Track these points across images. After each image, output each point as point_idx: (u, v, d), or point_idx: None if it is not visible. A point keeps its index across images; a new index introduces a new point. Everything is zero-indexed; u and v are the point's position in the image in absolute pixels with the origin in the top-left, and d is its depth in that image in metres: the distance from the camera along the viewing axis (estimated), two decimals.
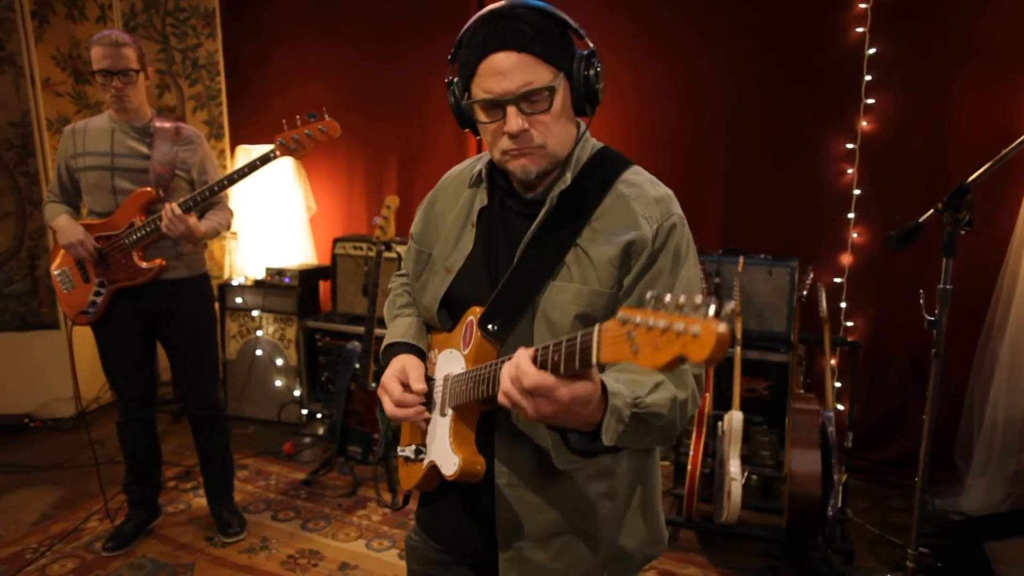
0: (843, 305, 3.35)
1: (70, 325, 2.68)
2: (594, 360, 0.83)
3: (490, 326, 1.15)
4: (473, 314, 1.18)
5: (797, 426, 2.69)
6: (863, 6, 3.15)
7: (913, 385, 3.23)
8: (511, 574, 1.22)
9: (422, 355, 1.31)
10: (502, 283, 1.17)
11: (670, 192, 1.20)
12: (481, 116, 1.13)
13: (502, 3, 1.10)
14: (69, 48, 3.95)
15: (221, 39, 4.38)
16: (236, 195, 4.23)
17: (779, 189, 3.43)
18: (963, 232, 2.20)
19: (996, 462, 2.87)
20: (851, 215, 3.29)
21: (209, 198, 2.52)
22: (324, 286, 4.06)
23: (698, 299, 0.71)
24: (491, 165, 1.25)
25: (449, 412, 1.19)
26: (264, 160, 2.53)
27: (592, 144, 1.24)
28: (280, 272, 3.85)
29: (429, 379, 1.26)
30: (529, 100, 1.09)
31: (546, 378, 0.89)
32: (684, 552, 2.73)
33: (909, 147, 3.17)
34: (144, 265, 2.54)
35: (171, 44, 4.31)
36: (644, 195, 1.16)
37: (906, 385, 3.28)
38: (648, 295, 0.76)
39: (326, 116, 2.50)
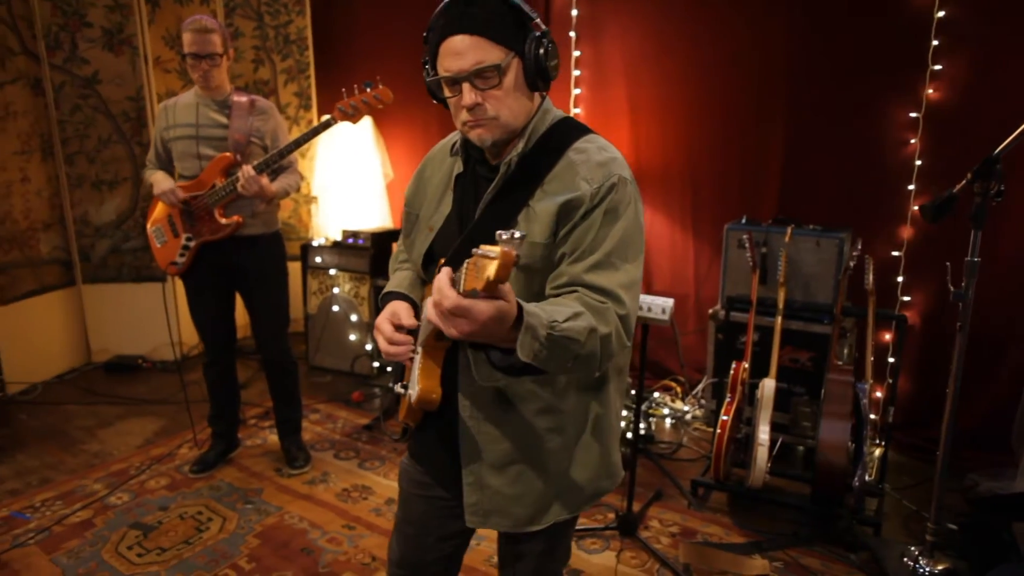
0: (900, 279, 3.27)
1: (170, 279, 3.06)
2: (462, 287, 0.98)
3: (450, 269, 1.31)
4: (441, 266, 1.35)
5: (829, 396, 2.70)
6: None
7: (972, 364, 3.12)
8: (473, 496, 1.40)
9: (414, 304, 1.49)
10: (461, 238, 1.33)
11: (618, 157, 1.31)
12: (445, 91, 1.29)
13: None
14: (176, 28, 4.37)
15: (310, 16, 4.69)
16: (320, 162, 4.60)
17: (838, 159, 3.37)
18: (994, 203, 2.15)
19: None
20: (912, 187, 3.20)
21: (279, 160, 2.81)
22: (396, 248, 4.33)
23: (510, 233, 0.91)
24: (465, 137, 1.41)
25: (419, 349, 1.38)
26: (325, 126, 2.79)
27: (553, 115, 1.37)
28: (355, 234, 4.15)
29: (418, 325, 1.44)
30: (481, 77, 1.23)
31: (461, 299, 1.00)
32: (711, 512, 2.82)
33: (977, 116, 3.04)
34: (224, 221, 2.86)
35: (265, 22, 4.66)
36: (589, 160, 1.28)
37: (964, 364, 3.17)
38: (498, 232, 0.91)
39: (380, 85, 2.72)
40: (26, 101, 4.02)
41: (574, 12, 3.93)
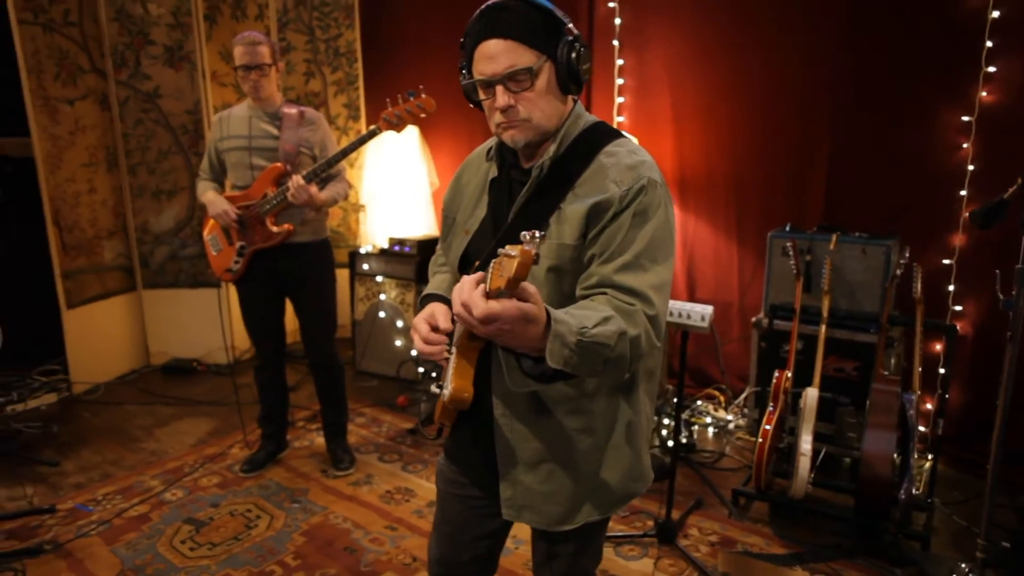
0: (951, 288, 3.19)
1: (224, 286, 3.18)
2: (488, 286, 1.02)
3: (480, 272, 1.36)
4: (476, 268, 1.39)
5: (875, 407, 2.66)
6: None
7: None
8: (507, 492, 1.44)
9: (451, 305, 1.54)
10: (494, 241, 1.37)
11: (647, 160, 1.33)
12: (480, 94, 1.34)
13: None
14: (232, 44, 4.55)
15: (359, 29, 4.83)
16: (369, 171, 4.71)
17: (886, 164, 3.31)
18: None
19: None
20: (964, 192, 3.12)
21: (327, 170, 2.91)
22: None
23: (531, 233, 0.95)
24: (500, 142, 1.45)
25: (454, 350, 1.42)
26: (371, 135, 2.88)
27: (586, 120, 1.40)
28: (401, 242, 4.24)
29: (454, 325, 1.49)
30: (514, 79, 1.28)
31: (491, 304, 1.02)
32: (752, 523, 2.79)
33: None
34: (275, 229, 2.97)
35: (316, 35, 4.81)
36: (619, 163, 1.31)
37: (1020, 375, 3.07)
38: (521, 233, 0.94)
39: (423, 94, 2.80)
40: (94, 116, 4.24)
41: (617, 21, 3.95)
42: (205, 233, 3.15)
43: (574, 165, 1.34)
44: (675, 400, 2.64)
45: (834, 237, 3.02)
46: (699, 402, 3.80)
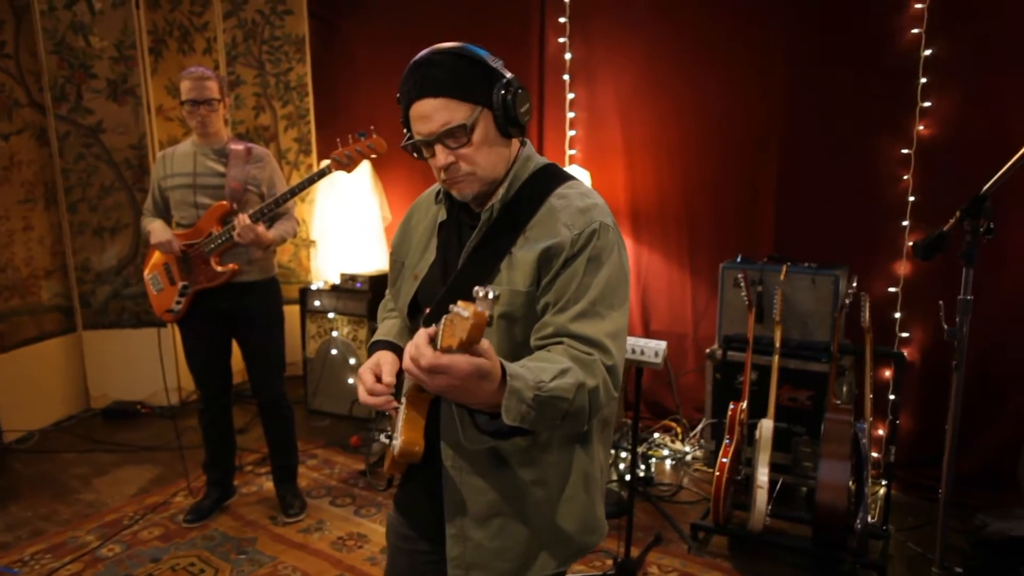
0: (897, 316, 3.25)
1: (169, 325, 3.07)
2: (439, 344, 0.98)
3: (433, 324, 1.31)
4: (426, 315, 1.34)
5: (828, 437, 2.67)
6: (919, 6, 3.07)
7: (977, 402, 3.09)
8: (455, 549, 1.37)
9: (401, 352, 1.48)
10: (446, 287, 1.33)
11: (599, 203, 1.31)
12: (423, 152, 1.30)
13: (423, 52, 1.27)
14: (179, 78, 4.46)
15: (310, 63, 4.79)
16: (320, 206, 4.64)
17: (833, 196, 3.38)
18: (984, 240, 2.14)
19: None
20: (906, 223, 3.20)
21: (275, 209, 2.84)
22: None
23: (485, 291, 0.90)
24: None
25: (403, 400, 1.37)
26: (320, 175, 2.83)
27: (536, 162, 1.38)
28: (353, 277, 4.16)
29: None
30: (451, 136, 1.25)
31: (440, 357, 0.99)
32: (711, 557, 2.76)
33: (967, 152, 3.05)
34: (220, 269, 2.88)
35: (266, 70, 4.75)
36: (570, 206, 1.29)
37: (968, 401, 3.13)
38: (475, 288, 0.91)
39: (374, 135, 2.76)
40: (31, 151, 4.09)
41: (568, 56, 3.99)
42: (146, 272, 3.04)
43: (524, 208, 1.31)
44: (631, 434, 2.62)
45: (784, 268, 3.06)
46: (656, 434, 3.78)
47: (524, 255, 1.26)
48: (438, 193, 1.45)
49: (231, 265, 2.89)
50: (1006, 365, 3.01)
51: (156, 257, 3.00)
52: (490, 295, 0.91)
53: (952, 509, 3.07)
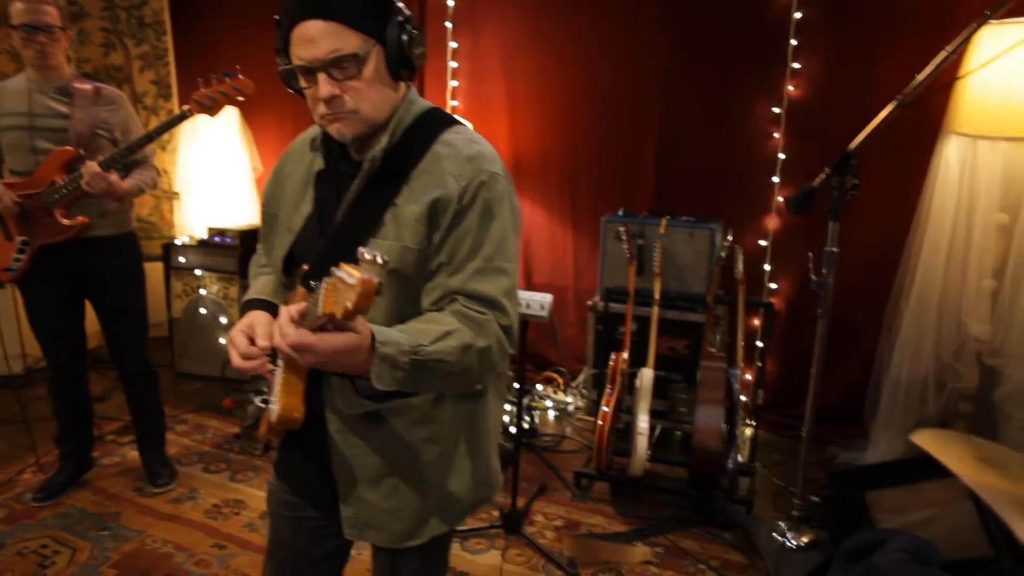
0: (767, 268, 3.43)
1: (7, 286, 2.73)
2: (320, 311, 0.91)
3: (312, 282, 1.21)
4: (304, 273, 1.24)
5: (703, 383, 2.79)
6: None
7: (831, 347, 3.32)
8: (349, 510, 1.31)
9: (276, 310, 1.37)
10: (325, 242, 1.24)
11: (487, 150, 1.25)
12: (300, 81, 1.18)
13: None
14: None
15: None
16: (184, 156, 4.28)
17: (709, 152, 3.49)
18: (849, 196, 2.27)
19: (898, 418, 2.98)
20: (776, 179, 3.36)
21: (128, 156, 2.56)
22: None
23: (372, 255, 0.84)
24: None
25: (280, 363, 1.27)
26: (180, 118, 2.58)
27: (420, 106, 1.29)
28: (222, 232, 3.90)
29: None
30: (339, 67, 1.13)
31: (304, 335, 0.95)
32: (594, 503, 2.85)
33: (834, 112, 3.21)
34: (66, 222, 2.59)
35: (115, 2, 4.28)
36: (457, 154, 1.21)
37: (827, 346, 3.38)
38: (359, 250, 0.83)
39: (240, 75, 2.54)
40: None
41: (450, 2, 3.85)
42: None
43: (408, 156, 1.22)
44: (517, 388, 2.62)
45: (663, 221, 3.13)
46: (539, 386, 3.83)
47: (410, 208, 1.19)
48: (314, 139, 1.33)
49: (79, 218, 2.60)
50: (857, 312, 3.25)
51: None
52: (379, 259, 0.85)
53: (810, 445, 3.36)
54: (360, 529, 1.32)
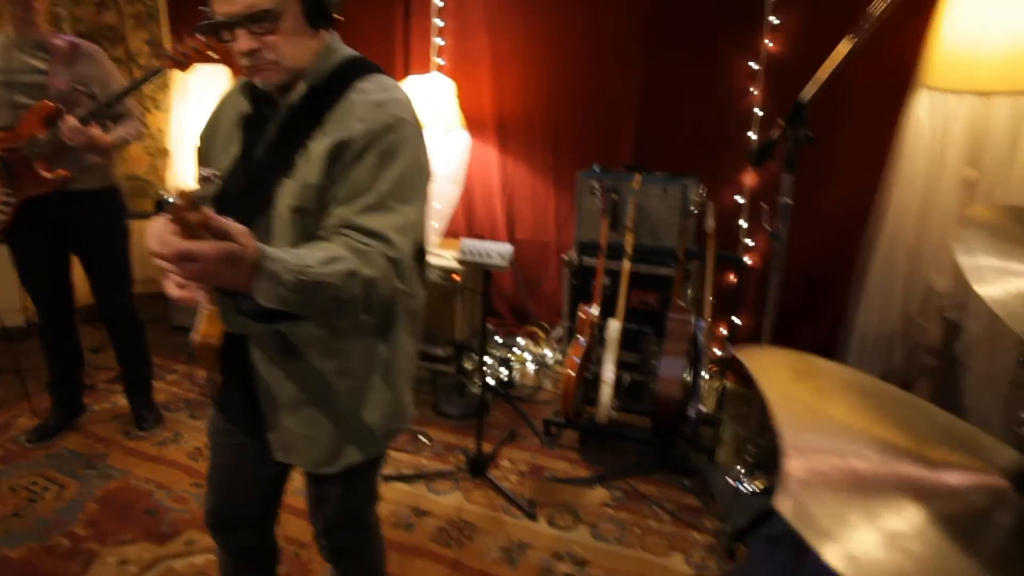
0: (743, 224, 3.45)
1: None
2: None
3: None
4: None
5: (669, 334, 2.85)
6: None
7: (803, 301, 3.36)
8: (273, 434, 1.41)
9: None
10: (242, 181, 1.30)
11: (399, 98, 1.30)
12: (223, 35, 1.24)
13: None
14: None
15: None
16: (176, 114, 4.35)
17: (688, 109, 3.49)
18: (804, 147, 2.29)
19: (866, 370, 3.02)
20: (753, 135, 3.36)
21: (105, 110, 2.63)
22: None
23: (207, 172, 0.96)
24: None
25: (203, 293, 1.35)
26: (152, 74, 2.64)
27: (341, 54, 1.35)
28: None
29: None
30: (256, 22, 1.19)
31: (184, 243, 0.97)
32: (561, 450, 2.94)
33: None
34: (48, 175, 2.67)
35: None
36: (368, 99, 1.27)
37: (795, 300, 3.41)
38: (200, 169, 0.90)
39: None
40: None
41: None
42: None
43: (324, 102, 1.28)
44: (489, 339, 2.70)
45: (637, 177, 3.16)
46: (520, 339, 3.91)
47: (317, 147, 1.25)
48: (245, 84, 1.40)
49: (61, 171, 2.68)
50: (829, 267, 3.27)
51: None
52: (212, 177, 0.94)
53: None
54: (285, 451, 1.42)
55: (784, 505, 0.61)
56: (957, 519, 0.65)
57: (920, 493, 0.66)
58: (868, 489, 0.66)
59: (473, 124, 3.84)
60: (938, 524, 0.63)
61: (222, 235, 0.98)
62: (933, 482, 0.69)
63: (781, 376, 0.86)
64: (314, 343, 1.33)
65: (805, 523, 0.59)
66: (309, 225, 1.26)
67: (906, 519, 0.63)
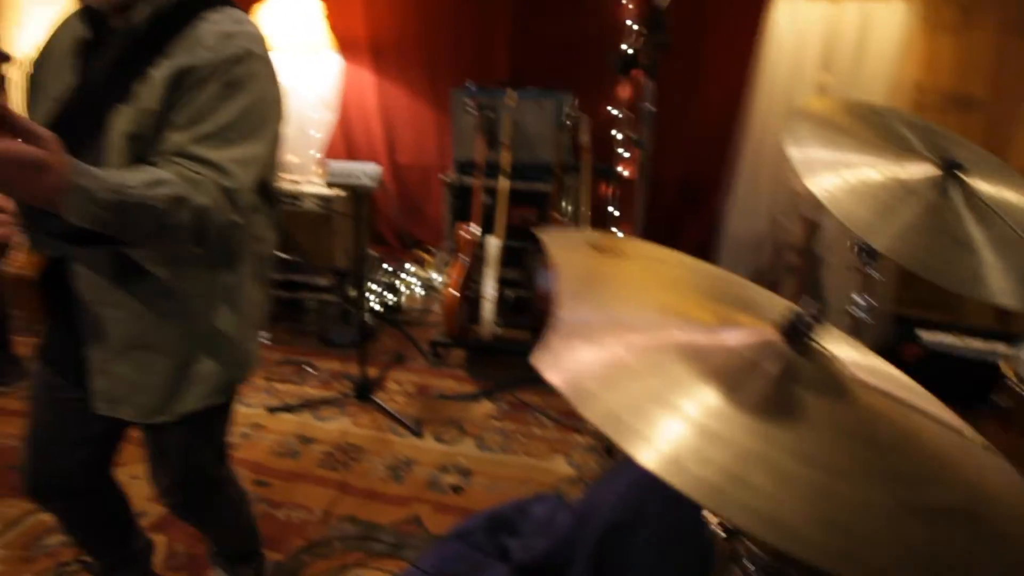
0: (617, 135, 3.48)
1: None
2: None
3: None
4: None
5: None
6: None
7: (682, 206, 3.48)
8: (100, 384, 1.30)
9: None
10: (73, 107, 1.20)
11: (251, 31, 1.23)
12: None
13: None
14: None
15: None
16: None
17: (562, 22, 3.46)
18: (665, 53, 2.31)
19: (738, 272, 3.18)
20: (627, 47, 3.35)
21: None
22: None
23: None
24: None
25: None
26: None
27: None
28: None
29: None
30: None
31: None
32: (448, 369, 2.98)
33: None
34: None
35: None
36: (218, 30, 1.20)
37: (675, 207, 3.53)
38: None
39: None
40: None
41: None
42: None
43: (170, 29, 1.19)
44: (377, 265, 2.66)
45: (510, 92, 3.12)
46: (408, 265, 3.87)
47: (159, 73, 1.17)
48: (83, 10, 1.27)
49: None
50: (703, 173, 3.38)
51: None
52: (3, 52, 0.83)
53: None
54: (112, 404, 1.31)
55: (542, 362, 0.63)
56: (727, 371, 0.69)
57: (694, 354, 0.70)
58: (640, 352, 0.69)
59: (345, 46, 3.67)
60: (709, 377, 0.67)
61: (24, 134, 0.90)
62: (709, 343, 0.73)
63: (578, 255, 0.88)
64: (149, 280, 1.25)
65: (613, 427, 0.61)
66: (143, 154, 1.18)
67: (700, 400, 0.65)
